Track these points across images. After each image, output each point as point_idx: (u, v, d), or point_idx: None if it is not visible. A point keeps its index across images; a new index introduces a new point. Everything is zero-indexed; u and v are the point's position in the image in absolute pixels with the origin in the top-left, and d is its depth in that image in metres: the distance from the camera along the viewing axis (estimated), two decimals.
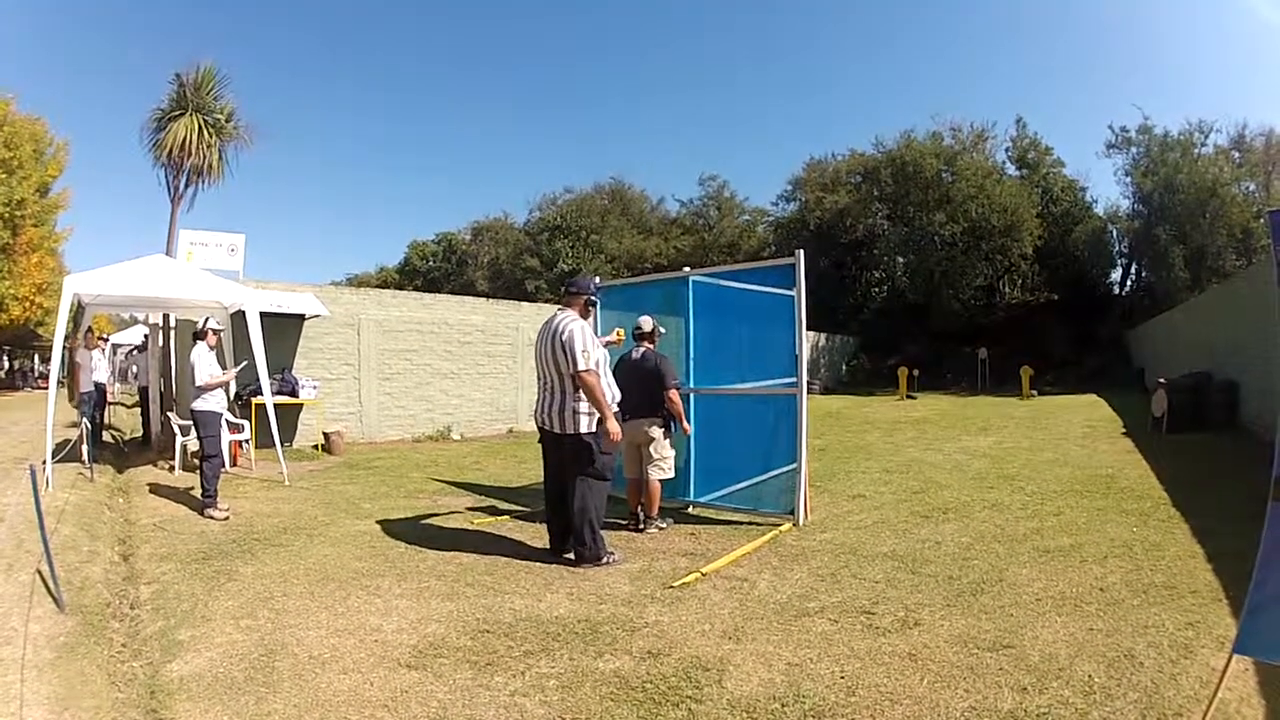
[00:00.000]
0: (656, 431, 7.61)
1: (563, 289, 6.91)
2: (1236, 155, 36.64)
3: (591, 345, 6.32)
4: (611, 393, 6.55)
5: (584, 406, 6.30)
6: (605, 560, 6.37)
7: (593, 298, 6.81)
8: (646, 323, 7.88)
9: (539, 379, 6.66)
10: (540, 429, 6.69)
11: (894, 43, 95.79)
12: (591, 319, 6.90)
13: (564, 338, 6.26)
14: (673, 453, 7.83)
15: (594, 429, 6.34)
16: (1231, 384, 14.74)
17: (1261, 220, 31.46)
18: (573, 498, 6.39)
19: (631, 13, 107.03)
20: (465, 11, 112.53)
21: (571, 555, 6.52)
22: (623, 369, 7.54)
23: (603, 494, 6.56)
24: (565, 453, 6.49)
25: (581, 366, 6.18)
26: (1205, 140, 36.56)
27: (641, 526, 7.68)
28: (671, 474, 7.86)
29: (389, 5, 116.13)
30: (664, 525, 7.79)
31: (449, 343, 17.77)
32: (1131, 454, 12.05)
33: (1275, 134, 36.19)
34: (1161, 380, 16.25)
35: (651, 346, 7.81)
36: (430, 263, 63.19)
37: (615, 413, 6.50)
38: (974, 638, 4.52)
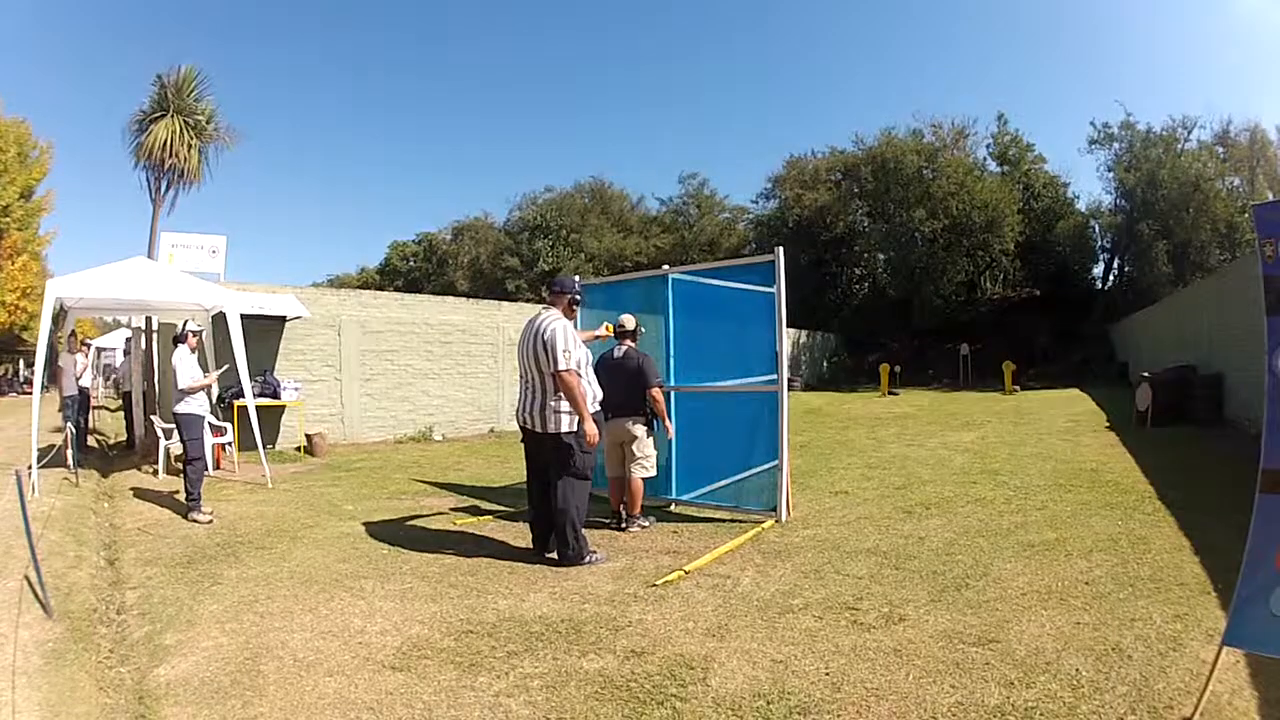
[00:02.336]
0: (639, 430, 7.60)
1: (545, 288, 6.91)
2: (1220, 151, 36.72)
3: (573, 345, 6.31)
4: (592, 392, 6.54)
5: (564, 406, 6.30)
6: (588, 560, 6.36)
7: (576, 296, 6.80)
8: (629, 321, 7.87)
9: (521, 377, 6.63)
10: (522, 428, 6.66)
11: (876, 41, 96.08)
12: (575, 318, 6.88)
13: (546, 336, 6.24)
14: (655, 451, 7.81)
15: (574, 429, 6.32)
16: (1216, 377, 14.81)
17: (1246, 215, 31.64)
18: (554, 497, 6.37)
19: (613, 13, 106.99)
20: (445, 14, 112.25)
21: (554, 555, 6.51)
22: (605, 367, 7.53)
23: (584, 493, 6.54)
24: (546, 452, 6.49)
25: (562, 366, 6.16)
26: (1188, 136, 36.80)
27: (624, 525, 7.66)
28: (654, 472, 7.85)
29: (369, 8, 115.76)
30: (646, 524, 7.76)
31: (430, 343, 17.69)
32: (1116, 448, 12.11)
33: (1259, 129, 36.36)
34: (1145, 374, 16.32)
35: (633, 345, 7.79)
36: (411, 263, 63.10)
37: (596, 413, 6.50)
38: (959, 633, 4.52)
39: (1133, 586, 5.30)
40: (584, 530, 6.48)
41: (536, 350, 6.30)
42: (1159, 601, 4.96)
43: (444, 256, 60.04)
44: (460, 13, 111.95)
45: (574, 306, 6.83)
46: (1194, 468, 9.93)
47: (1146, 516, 7.35)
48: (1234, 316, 13.93)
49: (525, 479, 7.07)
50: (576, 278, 7.01)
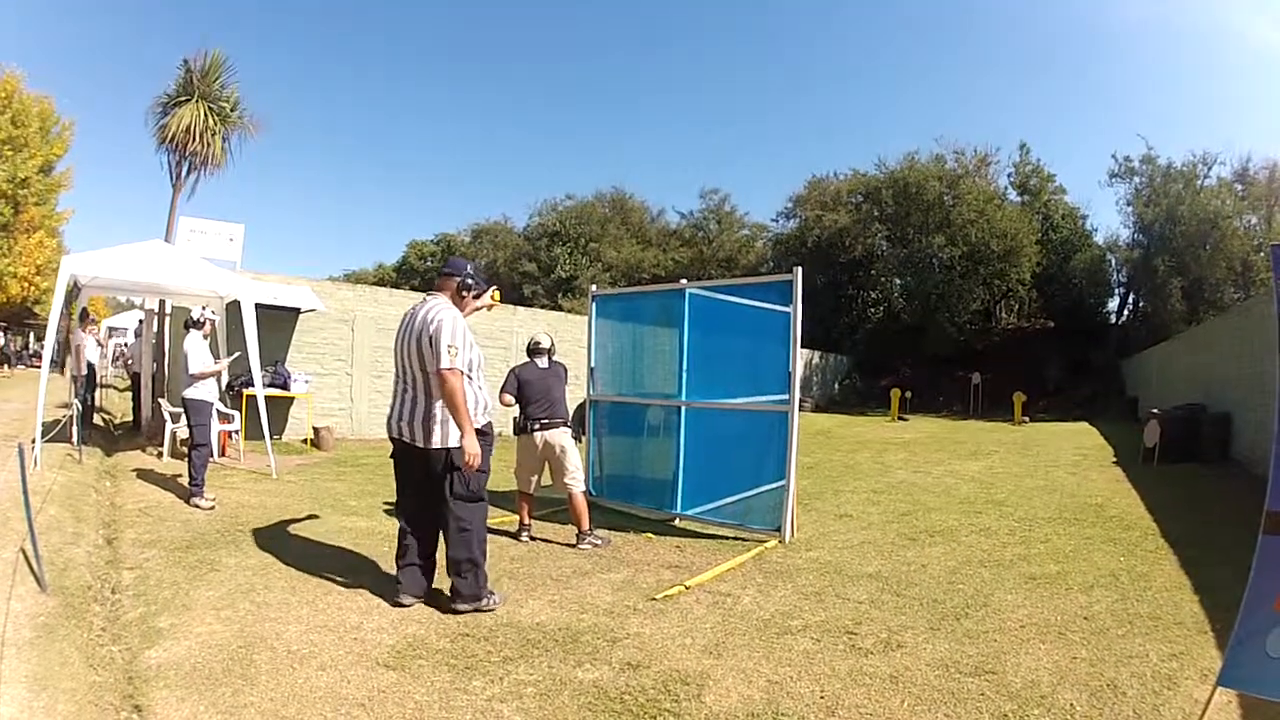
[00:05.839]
0: (568, 440, 7.55)
1: (439, 271, 5.87)
2: (1239, 188, 36.47)
3: (462, 342, 5.25)
4: (482, 402, 5.58)
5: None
6: (485, 602, 5.32)
7: (468, 281, 5.65)
8: (545, 340, 7.83)
9: (397, 379, 5.57)
10: (394, 439, 5.56)
11: (900, 67, 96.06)
12: (469, 310, 5.75)
13: (432, 329, 5.19)
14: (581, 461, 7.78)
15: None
16: (1225, 416, 14.70)
17: (1262, 254, 31.54)
18: (447, 527, 5.36)
19: (641, 25, 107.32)
20: (472, 12, 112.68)
21: (448, 594, 5.42)
22: (534, 377, 7.51)
23: (483, 516, 5.57)
24: (430, 470, 5.36)
25: (445, 364, 5.11)
26: (1208, 172, 36.59)
27: (575, 543, 7.38)
28: (584, 484, 7.68)
29: (395, 3, 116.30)
30: (599, 541, 7.38)
31: None
32: (1121, 483, 12.04)
33: (1279, 167, 36.14)
34: (1154, 410, 16.25)
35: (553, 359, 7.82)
36: (428, 263, 63.08)
37: (486, 425, 5.57)
38: (956, 662, 4.50)
39: (1131, 623, 5.28)
40: (485, 562, 5.51)
41: (420, 345, 5.27)
42: (1156, 639, 4.95)
43: (462, 258, 60.07)
44: (486, 14, 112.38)
45: (464, 293, 5.64)
46: (1198, 506, 9.87)
47: (1149, 553, 7.32)
48: (1244, 356, 13.88)
49: (397, 499, 5.82)
50: (472, 264, 5.93)
